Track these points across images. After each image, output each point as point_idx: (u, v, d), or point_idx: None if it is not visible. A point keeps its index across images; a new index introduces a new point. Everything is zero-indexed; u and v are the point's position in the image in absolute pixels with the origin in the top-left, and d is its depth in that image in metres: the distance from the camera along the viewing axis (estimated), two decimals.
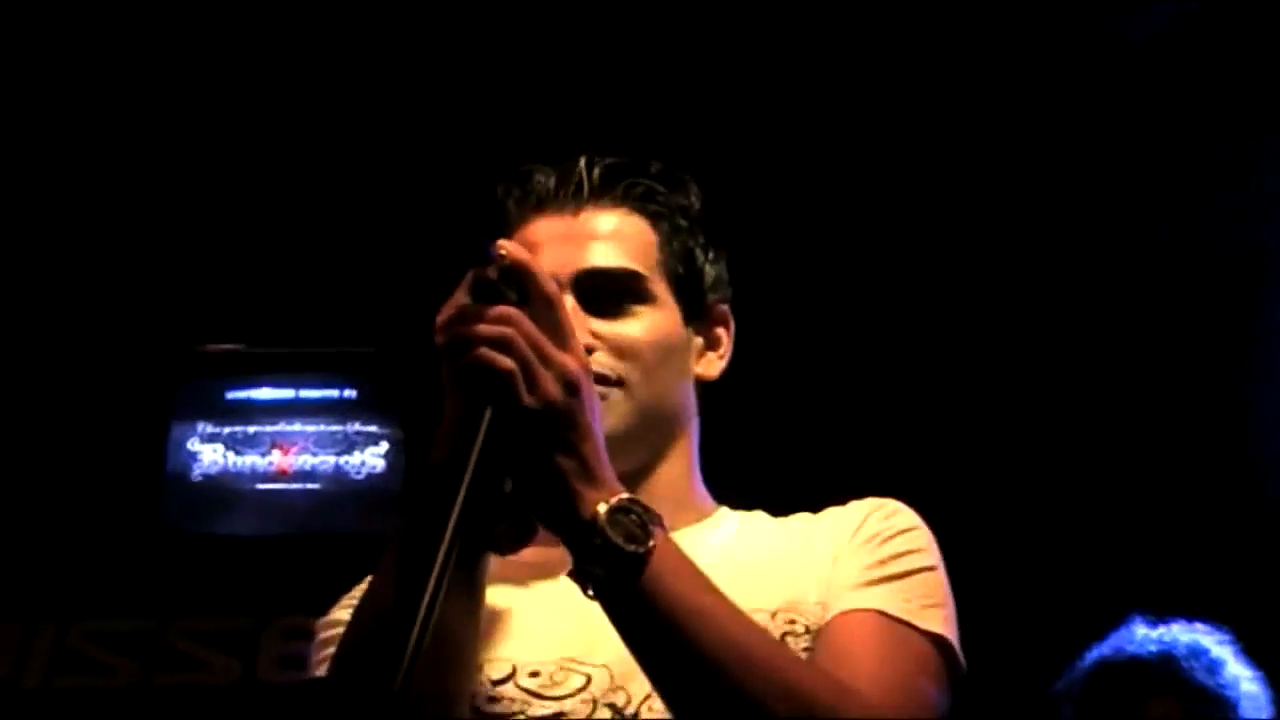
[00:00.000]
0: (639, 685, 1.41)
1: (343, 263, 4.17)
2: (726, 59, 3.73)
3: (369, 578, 1.43)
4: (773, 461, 3.63)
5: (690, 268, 1.59)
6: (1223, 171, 3.82)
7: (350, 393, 4.39)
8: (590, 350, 1.47)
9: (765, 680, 1.29)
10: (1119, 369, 4.00)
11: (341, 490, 4.33)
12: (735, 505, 1.63)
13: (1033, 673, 2.83)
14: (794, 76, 3.77)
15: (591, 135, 1.66)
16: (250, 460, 4.36)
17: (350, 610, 1.43)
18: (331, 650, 1.42)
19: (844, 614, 1.44)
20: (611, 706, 1.42)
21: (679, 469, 1.57)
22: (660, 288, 1.56)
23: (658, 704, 1.38)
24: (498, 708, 1.43)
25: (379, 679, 1.18)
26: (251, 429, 4.36)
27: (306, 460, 4.36)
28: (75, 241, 4.23)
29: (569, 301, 1.49)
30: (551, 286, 1.34)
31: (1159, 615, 2.75)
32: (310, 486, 4.35)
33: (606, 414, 1.43)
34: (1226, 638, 2.72)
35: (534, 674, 1.44)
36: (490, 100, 3.86)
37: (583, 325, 1.48)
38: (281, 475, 4.36)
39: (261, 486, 4.34)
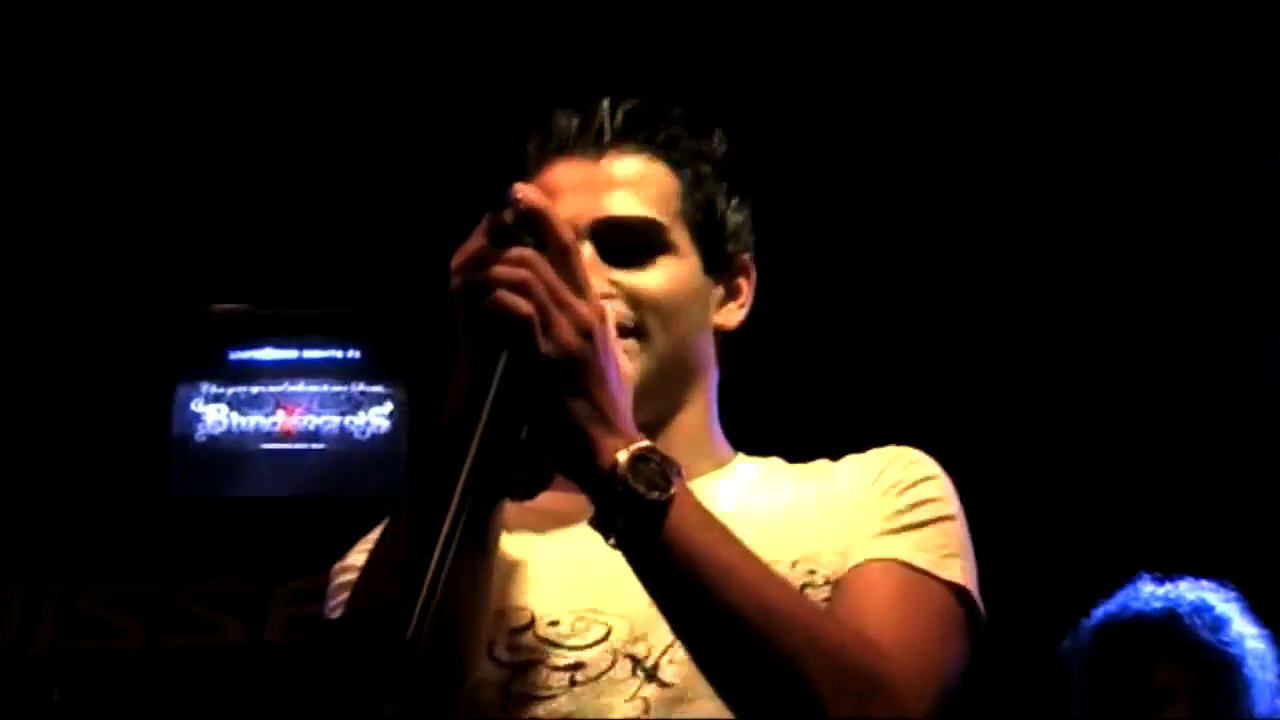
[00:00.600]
0: (659, 636, 1.40)
1: (347, 223, 4.16)
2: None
3: (384, 523, 1.42)
4: (788, 408, 3.62)
5: (711, 217, 1.56)
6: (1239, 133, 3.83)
7: (354, 353, 4.38)
8: (608, 299, 1.44)
9: (787, 631, 1.28)
10: (1137, 323, 3.99)
11: (346, 451, 4.33)
12: (751, 452, 1.62)
13: (1041, 627, 2.83)
14: (813, 39, 3.77)
15: (602, 84, 1.62)
16: (254, 420, 4.35)
17: (365, 554, 1.41)
18: (345, 596, 1.41)
19: (864, 564, 1.43)
20: (632, 658, 1.41)
21: (697, 418, 1.56)
22: (680, 237, 1.53)
23: (679, 655, 1.37)
24: (516, 656, 1.42)
25: (391, 628, 1.17)
26: (255, 389, 4.35)
27: (311, 421, 4.35)
28: (78, 203, 4.22)
29: (587, 250, 1.47)
30: (568, 234, 1.32)
31: (1167, 573, 2.74)
32: (315, 447, 4.34)
33: (624, 365, 1.41)
34: (1233, 595, 2.72)
35: (553, 623, 1.43)
36: (492, 62, 3.84)
37: (601, 274, 1.46)
38: (286, 436, 4.35)
39: (266, 447, 4.34)
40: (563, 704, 1.39)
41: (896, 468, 1.50)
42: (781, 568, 1.40)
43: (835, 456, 1.58)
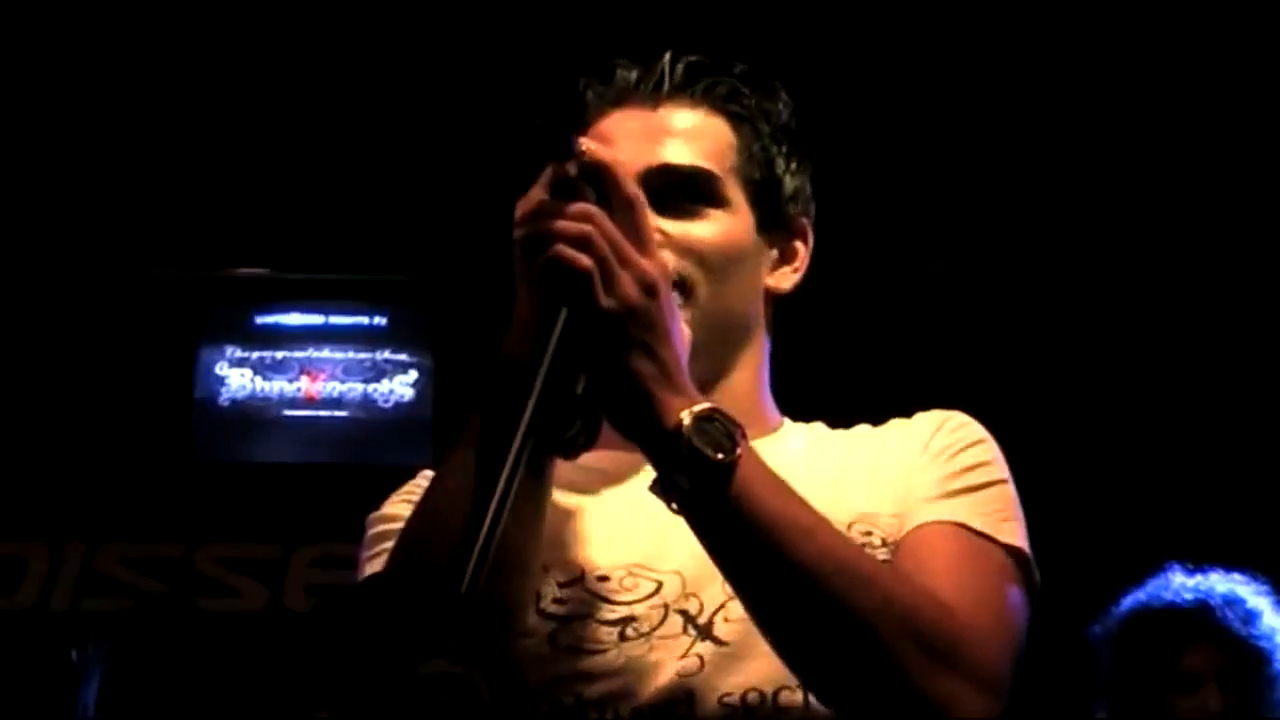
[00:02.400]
0: (712, 593, 1.38)
1: (375, 189, 4.14)
2: None
3: (424, 473, 1.41)
4: (825, 373, 3.60)
5: (768, 175, 1.53)
6: None
7: (380, 320, 4.38)
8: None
9: (862, 592, 1.27)
10: (1187, 304, 3.97)
11: (369, 419, 4.32)
12: (795, 417, 1.60)
13: (1071, 607, 2.82)
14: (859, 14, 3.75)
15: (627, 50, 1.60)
16: (278, 386, 4.34)
17: (405, 504, 1.40)
18: (387, 545, 1.39)
19: (924, 526, 1.41)
20: (684, 614, 1.39)
21: (747, 381, 1.53)
22: (734, 192, 1.51)
23: (735, 613, 1.36)
24: (565, 610, 1.40)
25: (443, 579, 1.15)
26: (280, 354, 4.35)
27: (335, 388, 4.35)
28: (104, 166, 4.21)
29: None
30: (632, 188, 1.31)
31: (1198, 563, 2.73)
32: (338, 414, 4.34)
33: (684, 327, 1.40)
34: (1265, 588, 2.71)
35: (603, 578, 1.41)
36: (519, 30, 3.83)
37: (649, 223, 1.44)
38: (309, 402, 4.35)
39: (289, 413, 4.34)
40: (611, 658, 1.38)
41: (946, 431, 1.49)
42: (839, 528, 1.38)
43: (876, 421, 1.56)
